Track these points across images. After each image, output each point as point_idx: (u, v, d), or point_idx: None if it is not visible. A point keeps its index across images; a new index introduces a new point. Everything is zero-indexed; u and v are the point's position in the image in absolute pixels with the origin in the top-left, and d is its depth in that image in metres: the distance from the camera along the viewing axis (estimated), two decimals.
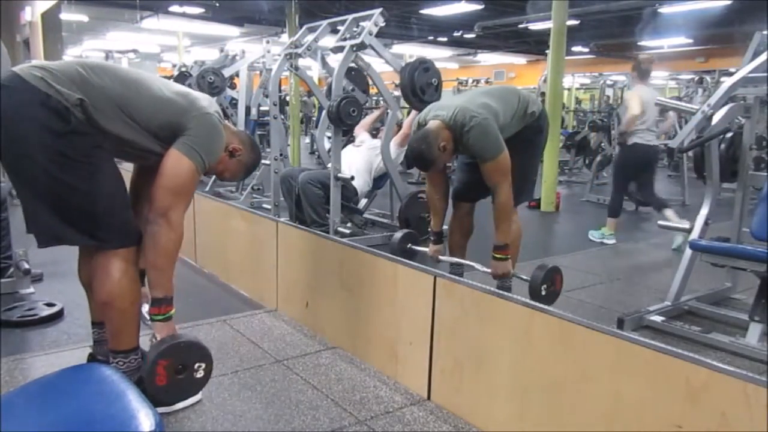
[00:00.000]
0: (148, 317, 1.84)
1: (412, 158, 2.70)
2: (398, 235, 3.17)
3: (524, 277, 2.69)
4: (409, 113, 5.65)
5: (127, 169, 2.03)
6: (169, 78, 7.92)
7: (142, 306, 1.93)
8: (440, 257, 2.97)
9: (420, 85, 3.94)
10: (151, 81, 1.85)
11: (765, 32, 3.33)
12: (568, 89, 12.77)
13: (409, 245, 3.13)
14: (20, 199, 1.80)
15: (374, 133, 5.33)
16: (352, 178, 4.41)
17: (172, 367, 1.74)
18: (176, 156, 1.78)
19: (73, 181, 1.70)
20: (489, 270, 2.74)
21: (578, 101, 14.24)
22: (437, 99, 3.79)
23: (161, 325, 1.81)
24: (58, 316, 2.75)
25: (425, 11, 11.08)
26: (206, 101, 1.90)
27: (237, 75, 6.98)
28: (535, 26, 11.43)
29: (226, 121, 2.04)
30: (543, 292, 2.60)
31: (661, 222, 3.10)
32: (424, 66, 4.03)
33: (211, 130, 1.85)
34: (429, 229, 3.08)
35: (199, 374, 1.80)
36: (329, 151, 5.10)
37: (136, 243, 1.86)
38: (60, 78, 1.67)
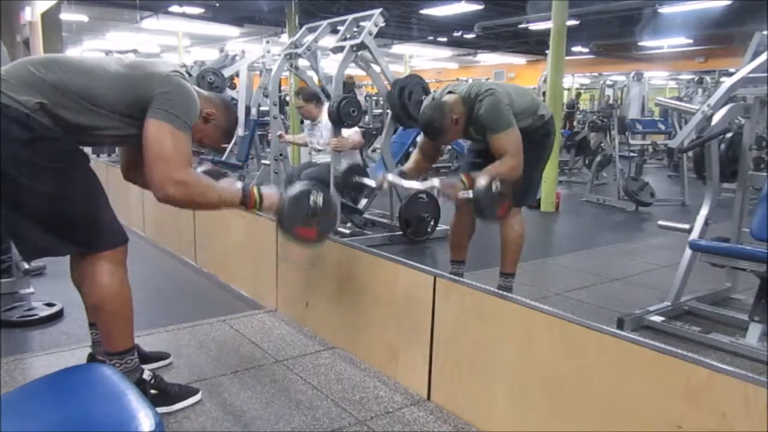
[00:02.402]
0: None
1: (423, 124, 2.66)
2: (342, 167, 3.07)
3: (468, 194, 2.43)
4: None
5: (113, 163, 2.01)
6: None
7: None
8: (389, 177, 2.74)
9: (410, 104, 3.95)
10: (104, 63, 1.78)
11: (765, 32, 3.34)
12: (568, 89, 12.79)
13: (356, 178, 3.07)
14: None
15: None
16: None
17: (305, 223, 1.90)
18: (153, 125, 1.70)
19: (47, 189, 1.66)
20: (437, 184, 2.58)
21: (578, 102, 14.22)
22: None
23: (266, 207, 1.89)
24: (58, 316, 2.75)
25: (425, 11, 11.09)
26: (164, 66, 1.82)
27: (237, 75, 6.99)
28: (535, 26, 11.43)
29: (197, 88, 1.95)
30: (492, 189, 2.36)
31: (661, 222, 3.10)
32: (416, 83, 4.05)
33: (176, 89, 1.76)
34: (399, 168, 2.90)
35: (320, 201, 1.93)
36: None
37: (122, 243, 1.85)
38: (13, 84, 1.61)
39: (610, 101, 11.55)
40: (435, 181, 2.61)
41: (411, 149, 5.63)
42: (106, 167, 4.27)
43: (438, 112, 2.57)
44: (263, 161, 6.08)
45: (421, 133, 2.85)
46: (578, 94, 13.22)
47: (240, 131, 6.15)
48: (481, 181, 2.39)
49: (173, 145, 1.70)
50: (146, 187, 1.89)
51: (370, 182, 3.06)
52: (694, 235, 2.87)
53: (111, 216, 1.84)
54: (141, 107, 1.73)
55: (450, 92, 2.68)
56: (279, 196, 1.91)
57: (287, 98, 9.51)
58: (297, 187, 1.96)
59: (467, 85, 2.68)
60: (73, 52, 14.85)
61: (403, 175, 2.78)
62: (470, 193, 2.40)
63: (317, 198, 1.93)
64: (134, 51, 11.55)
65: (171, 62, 1.91)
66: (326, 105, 4.31)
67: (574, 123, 11.94)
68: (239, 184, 1.93)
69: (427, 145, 2.89)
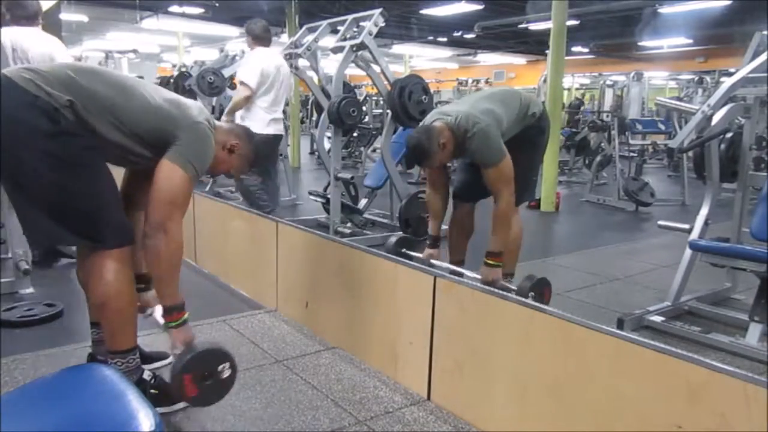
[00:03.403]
0: (162, 322, 1.87)
1: (410, 148, 2.67)
2: (393, 239, 3.14)
3: (512, 287, 2.63)
4: None
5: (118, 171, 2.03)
6: (169, 78, 7.94)
7: (153, 310, 1.97)
8: (433, 261, 2.90)
9: (410, 104, 3.95)
10: (141, 86, 1.85)
11: (765, 32, 3.33)
12: (568, 89, 12.79)
13: (404, 249, 3.09)
14: (12, 202, 1.80)
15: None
16: (352, 178, 4.42)
17: (198, 377, 1.76)
18: (169, 167, 1.78)
19: (64, 181, 1.70)
20: (479, 275, 2.69)
21: (583, 102, 14.22)
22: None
23: (176, 332, 1.82)
24: (58, 316, 2.75)
25: (425, 11, 11.09)
26: (196, 110, 1.90)
27: (237, 75, 6.98)
28: (535, 26, 11.43)
29: (218, 122, 2.03)
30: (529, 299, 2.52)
31: (661, 222, 3.10)
32: (416, 83, 4.05)
33: (202, 139, 1.85)
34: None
35: (225, 374, 1.83)
36: (329, 151, 5.11)
37: (130, 242, 1.87)
38: (49, 80, 1.67)
39: (618, 101, 11.57)
40: (477, 275, 2.71)
41: None
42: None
43: (426, 136, 2.58)
44: None
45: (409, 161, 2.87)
46: (583, 95, 13.22)
47: None
48: (522, 285, 2.57)
49: (180, 192, 1.79)
50: (128, 208, 1.94)
51: (417, 255, 3.04)
52: (694, 235, 2.87)
53: (121, 215, 1.87)
54: (160, 139, 1.80)
55: (436, 120, 2.65)
56: (190, 336, 1.84)
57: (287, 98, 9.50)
58: (219, 346, 1.87)
59: (454, 115, 2.60)
60: (73, 52, 14.85)
61: (434, 240, 2.93)
62: (512, 285, 2.63)
63: (226, 369, 1.82)
64: (134, 51, 11.55)
65: (200, 106, 1.97)
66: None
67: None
68: (181, 299, 1.86)
69: (435, 178, 2.91)
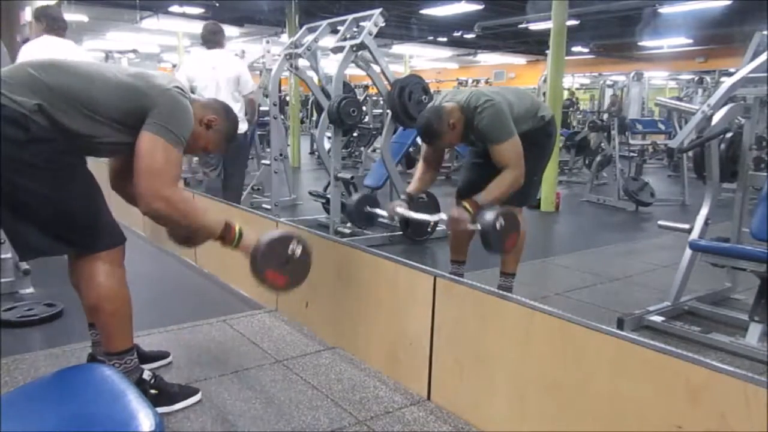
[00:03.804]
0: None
1: (420, 127, 2.66)
2: (355, 197, 3.13)
3: (476, 227, 2.45)
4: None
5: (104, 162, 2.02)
6: None
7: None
8: (397, 210, 2.76)
9: (410, 104, 3.95)
10: (105, 69, 1.79)
11: (765, 32, 3.34)
12: (568, 89, 12.78)
13: (366, 208, 3.11)
14: None
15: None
16: (352, 178, 4.42)
17: (278, 268, 1.89)
18: (147, 138, 1.71)
19: (44, 190, 1.66)
20: (444, 216, 2.61)
21: (576, 101, 14.20)
22: None
23: (241, 248, 1.89)
24: (58, 316, 2.75)
25: (425, 11, 11.09)
26: (164, 79, 1.83)
27: None
28: (535, 26, 11.43)
29: (194, 95, 1.97)
30: (497, 227, 2.38)
31: (661, 222, 3.10)
32: (416, 83, 4.05)
33: (176, 104, 1.77)
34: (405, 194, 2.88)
35: (298, 251, 1.92)
36: (329, 151, 5.11)
37: (121, 243, 1.86)
38: (12, 85, 1.61)
39: (613, 100, 11.56)
40: (442, 215, 2.65)
41: (411, 149, 5.64)
42: (105, 167, 4.25)
43: (436, 116, 2.59)
44: (263, 161, 6.08)
45: (420, 139, 2.85)
46: (572, 93, 13.14)
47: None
48: (486, 216, 2.41)
49: (164, 160, 1.72)
50: (130, 200, 1.93)
51: (381, 212, 3.09)
52: (694, 235, 2.87)
53: (108, 216, 1.84)
54: (138, 117, 1.74)
55: (449, 101, 2.67)
56: (257, 239, 1.89)
57: (287, 98, 9.52)
58: (278, 232, 1.94)
59: (466, 94, 2.65)
60: None
61: (409, 197, 2.82)
62: (478, 226, 2.43)
63: (296, 247, 1.92)
64: (134, 51, 11.56)
65: (171, 76, 1.91)
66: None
67: (573, 123, 11.94)
68: (225, 219, 1.91)
69: (429, 154, 2.89)
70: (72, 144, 1.71)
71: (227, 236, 1.88)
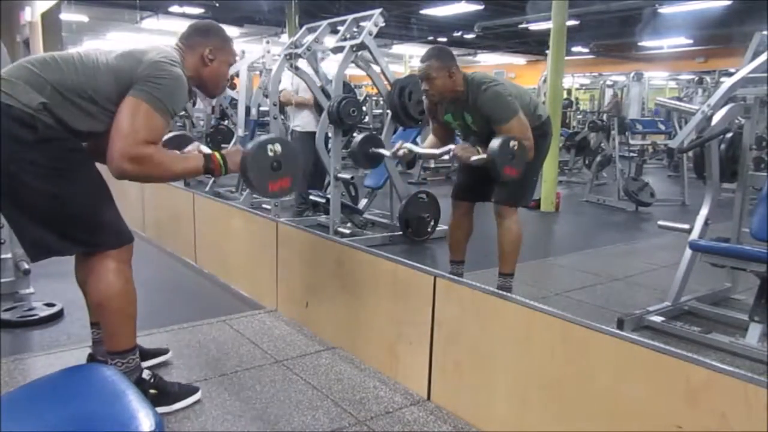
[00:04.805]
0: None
1: (424, 57, 2.66)
2: (359, 138, 3.19)
3: (482, 156, 2.51)
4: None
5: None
6: None
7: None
8: (405, 144, 2.89)
9: (410, 104, 3.95)
10: (97, 56, 1.75)
11: (765, 32, 3.34)
12: (568, 89, 12.79)
13: (371, 149, 3.17)
14: (4, 215, 1.75)
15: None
16: (352, 178, 4.42)
17: (273, 175, 1.87)
18: (129, 101, 1.66)
19: (52, 189, 1.66)
20: (452, 147, 2.67)
21: (576, 101, 14.22)
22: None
23: (230, 170, 1.84)
24: (58, 316, 2.75)
25: (425, 11, 11.10)
26: (154, 51, 1.76)
27: (237, 75, 6.97)
28: (535, 26, 11.45)
29: (183, 45, 1.89)
30: (510, 147, 2.45)
31: (661, 222, 3.10)
32: (416, 83, 4.04)
33: (163, 73, 1.71)
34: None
35: (278, 149, 1.88)
36: (329, 151, 5.10)
37: (128, 241, 1.86)
38: (16, 84, 1.61)
39: (612, 100, 11.56)
40: (451, 146, 2.70)
41: None
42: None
43: (445, 53, 2.64)
44: None
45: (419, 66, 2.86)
46: (569, 93, 13.12)
47: (240, 131, 6.16)
48: (497, 140, 2.46)
49: (143, 122, 1.65)
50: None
51: (385, 152, 3.17)
52: (694, 235, 2.86)
53: (116, 215, 1.85)
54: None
55: None
56: (240, 153, 1.85)
57: None
58: (252, 143, 1.90)
59: (472, 72, 2.73)
60: None
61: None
62: (484, 156, 2.48)
63: (275, 146, 1.88)
64: None
65: (164, 48, 1.81)
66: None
67: (573, 123, 11.94)
68: (204, 149, 1.90)
69: (438, 128, 2.94)
70: (78, 141, 1.71)
71: (213, 167, 1.82)
